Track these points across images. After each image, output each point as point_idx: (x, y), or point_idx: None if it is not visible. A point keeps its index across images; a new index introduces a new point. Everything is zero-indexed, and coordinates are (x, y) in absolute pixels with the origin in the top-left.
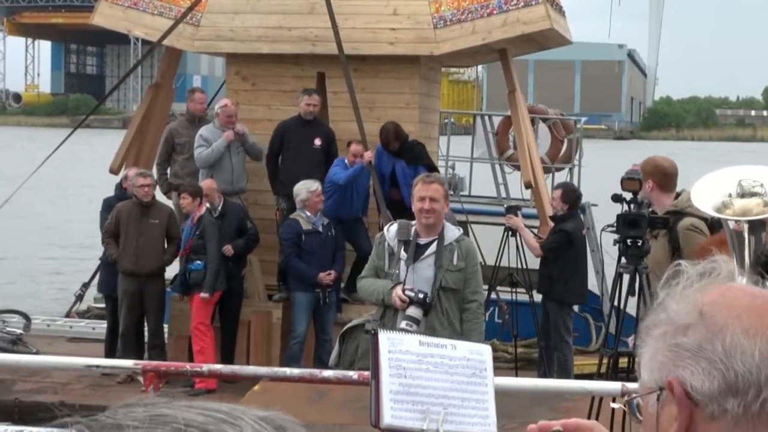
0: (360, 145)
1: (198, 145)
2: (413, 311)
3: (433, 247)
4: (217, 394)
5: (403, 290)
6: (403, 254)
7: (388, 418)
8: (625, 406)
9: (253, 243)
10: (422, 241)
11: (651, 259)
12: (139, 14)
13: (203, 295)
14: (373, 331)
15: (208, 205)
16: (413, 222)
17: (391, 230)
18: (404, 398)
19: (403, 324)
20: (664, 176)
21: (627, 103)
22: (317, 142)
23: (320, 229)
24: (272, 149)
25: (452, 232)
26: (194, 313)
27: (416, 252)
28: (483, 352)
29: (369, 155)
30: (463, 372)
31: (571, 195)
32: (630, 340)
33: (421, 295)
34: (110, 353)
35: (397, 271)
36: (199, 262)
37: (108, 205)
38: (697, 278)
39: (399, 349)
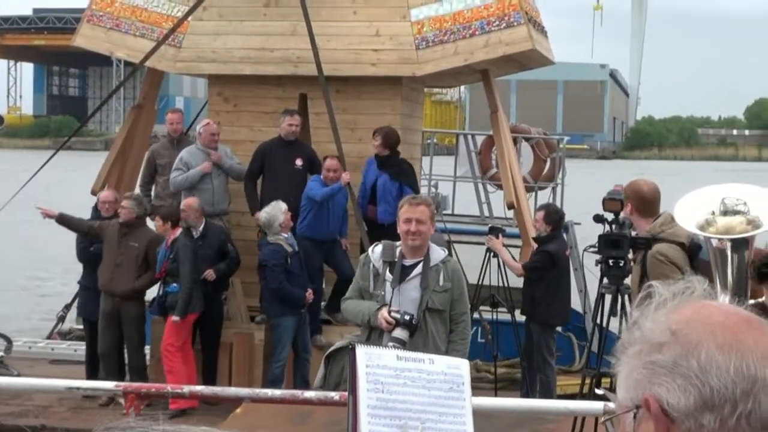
0: (335, 160)
1: (175, 168)
2: (399, 333)
3: (418, 269)
4: (199, 416)
5: (389, 312)
6: (388, 275)
7: None
8: (603, 425)
9: (235, 266)
10: (408, 262)
11: (630, 281)
12: (121, 36)
13: (174, 318)
14: (350, 345)
15: (183, 225)
16: (398, 243)
17: (376, 251)
18: (381, 413)
19: (389, 345)
20: (642, 201)
21: (609, 123)
22: (299, 162)
23: (296, 248)
24: (251, 171)
25: (438, 253)
26: (166, 333)
27: (402, 273)
28: (460, 366)
29: (346, 177)
30: (440, 386)
31: (553, 216)
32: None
33: (407, 317)
34: (92, 376)
35: (383, 293)
36: (175, 284)
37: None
38: (671, 297)
39: (377, 363)
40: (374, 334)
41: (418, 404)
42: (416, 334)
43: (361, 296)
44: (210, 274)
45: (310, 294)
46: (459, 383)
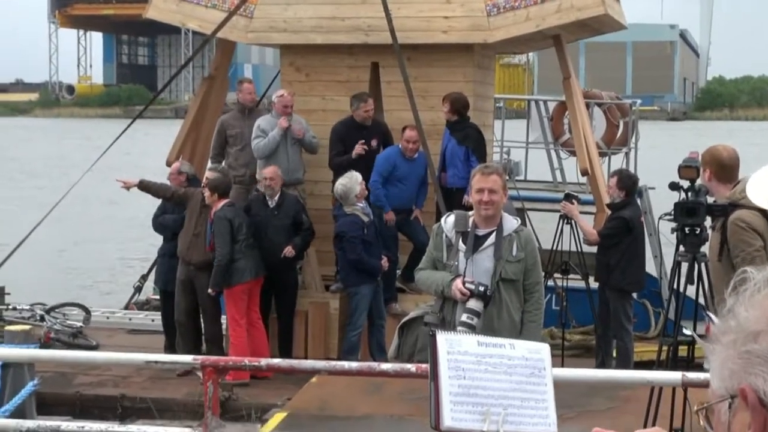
0: (414, 131)
1: (255, 136)
2: (474, 304)
3: (492, 238)
4: (275, 385)
5: (463, 282)
6: (461, 246)
7: (448, 421)
8: (698, 415)
9: (310, 238)
10: (481, 232)
11: (708, 248)
12: (193, 7)
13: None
14: (431, 332)
15: (263, 192)
16: (471, 213)
17: (449, 221)
18: (464, 400)
19: (464, 317)
20: (722, 167)
21: (679, 84)
22: (374, 143)
23: (372, 217)
24: (339, 151)
25: (511, 223)
26: (226, 306)
27: (475, 243)
28: (541, 351)
29: (392, 216)
30: (522, 372)
31: (627, 182)
32: (688, 329)
33: (481, 288)
34: (169, 344)
35: (456, 263)
36: (216, 257)
37: (163, 208)
38: (765, 284)
39: (457, 350)
40: (448, 305)
41: (499, 390)
42: (490, 305)
43: (435, 267)
44: (289, 251)
45: (385, 262)
46: (540, 368)
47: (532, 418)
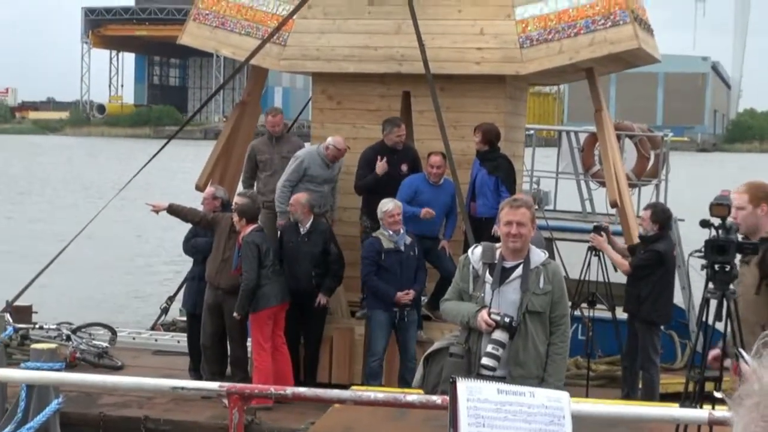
0: (439, 156)
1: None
2: (499, 335)
3: (519, 271)
4: (298, 409)
5: (489, 314)
6: (488, 277)
7: None
8: None
9: (341, 272)
10: (508, 264)
11: (740, 284)
12: (227, 34)
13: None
14: (451, 380)
15: (291, 219)
16: (498, 245)
17: (476, 253)
18: None
19: (489, 347)
20: None
21: (710, 115)
22: (404, 168)
23: (402, 247)
24: (365, 182)
25: (538, 256)
26: (251, 330)
27: (502, 275)
28: (561, 399)
29: (430, 212)
30: (541, 420)
31: (660, 215)
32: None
33: (507, 319)
34: (194, 366)
35: (482, 294)
36: (242, 282)
37: (195, 231)
38: None
39: (477, 397)
40: (473, 336)
41: None
42: (516, 337)
43: (461, 297)
44: (322, 299)
45: (403, 295)
46: (560, 416)
47: None
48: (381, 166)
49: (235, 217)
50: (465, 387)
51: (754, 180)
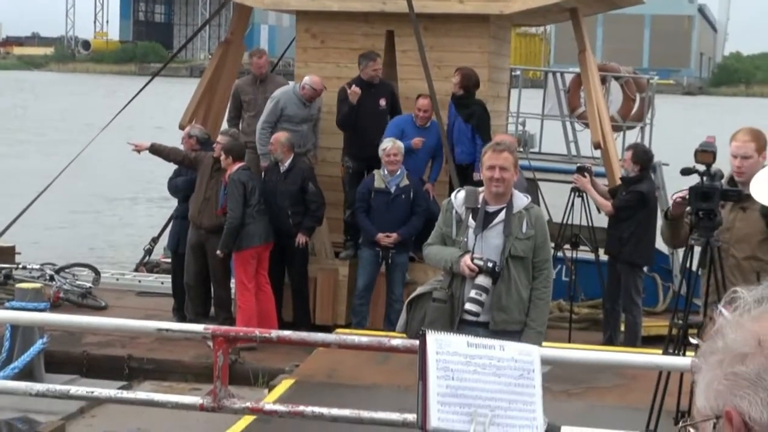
0: (427, 99)
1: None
2: (482, 280)
3: (501, 215)
4: (283, 349)
5: (472, 259)
6: (471, 222)
7: (434, 421)
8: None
9: (320, 212)
10: (491, 208)
11: (737, 232)
12: None
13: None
14: (420, 332)
15: (272, 159)
16: (481, 189)
17: (459, 197)
18: (451, 401)
19: (472, 293)
20: None
21: (696, 59)
22: (382, 102)
23: (392, 189)
24: (342, 114)
25: (521, 200)
26: (234, 269)
27: (485, 220)
28: (531, 353)
29: (418, 143)
30: (510, 373)
31: (642, 156)
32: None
33: (490, 264)
34: (177, 306)
35: (465, 239)
36: (227, 219)
37: (178, 171)
38: (755, 304)
39: (447, 350)
40: (456, 281)
41: (487, 391)
42: (498, 281)
43: (444, 242)
44: (301, 239)
45: (383, 237)
46: (529, 370)
47: (519, 420)
48: (353, 92)
49: (222, 155)
50: (434, 339)
51: (751, 127)
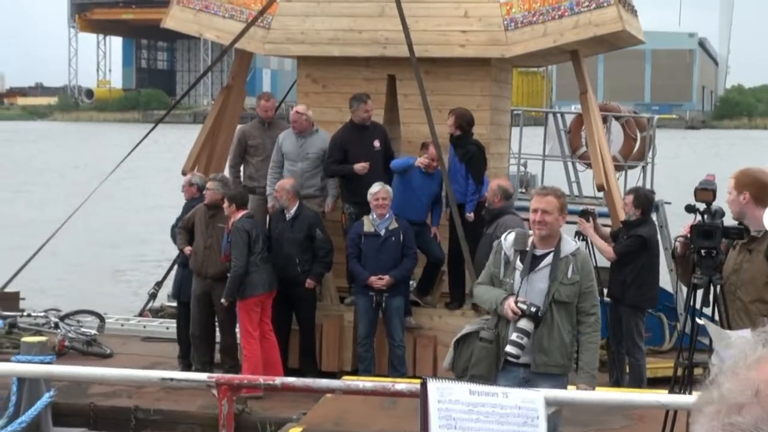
0: (433, 149)
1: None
2: (524, 324)
3: (548, 259)
4: (290, 398)
5: (516, 302)
6: (518, 264)
7: None
8: None
9: (329, 258)
10: (539, 252)
11: (743, 274)
12: (210, 17)
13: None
14: (422, 380)
15: (277, 206)
16: (531, 231)
17: (509, 239)
18: None
19: (513, 336)
20: (763, 189)
21: (698, 92)
22: (377, 144)
23: (381, 232)
24: (335, 162)
25: (569, 245)
26: (238, 317)
27: (532, 263)
28: (535, 401)
29: (424, 161)
30: (514, 421)
31: (643, 200)
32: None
33: (533, 309)
34: (183, 354)
35: (512, 281)
36: (231, 268)
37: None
38: (751, 351)
39: (449, 398)
40: (502, 322)
41: None
42: (541, 325)
43: (492, 282)
44: (309, 283)
45: (375, 280)
46: (533, 417)
47: None
48: (361, 167)
49: (225, 203)
50: (435, 388)
51: (749, 167)
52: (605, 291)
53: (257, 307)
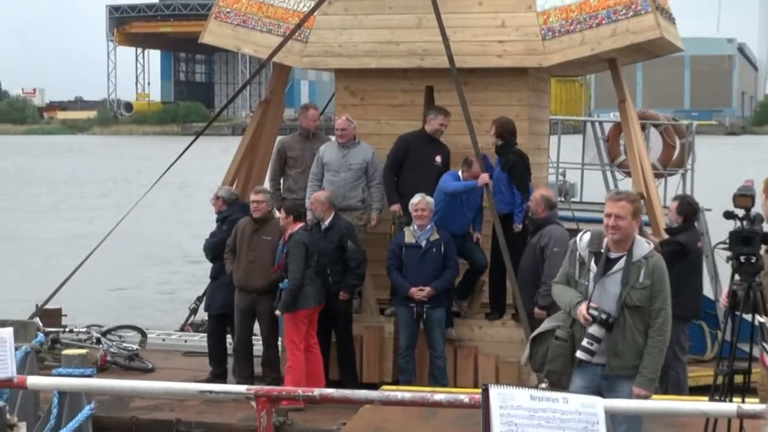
0: (476, 164)
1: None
2: (595, 330)
3: (621, 263)
4: (330, 409)
5: (588, 308)
6: (593, 266)
7: None
8: None
9: (361, 270)
10: (613, 255)
11: None
12: (248, 32)
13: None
14: (483, 387)
15: (312, 217)
16: (605, 232)
17: (584, 240)
18: None
19: (584, 341)
20: None
21: (738, 98)
22: (438, 159)
23: (423, 244)
24: (394, 162)
25: (642, 248)
26: (285, 330)
27: (605, 266)
28: (595, 405)
29: (485, 178)
30: (575, 426)
31: (686, 207)
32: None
33: (604, 316)
34: (218, 373)
35: (586, 283)
36: (287, 280)
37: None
38: None
39: (510, 404)
40: (577, 323)
41: None
42: (614, 329)
43: (568, 282)
44: (342, 295)
45: (416, 291)
46: (593, 422)
47: None
48: (395, 210)
49: (282, 215)
50: (497, 394)
51: None
52: None
53: (306, 319)
